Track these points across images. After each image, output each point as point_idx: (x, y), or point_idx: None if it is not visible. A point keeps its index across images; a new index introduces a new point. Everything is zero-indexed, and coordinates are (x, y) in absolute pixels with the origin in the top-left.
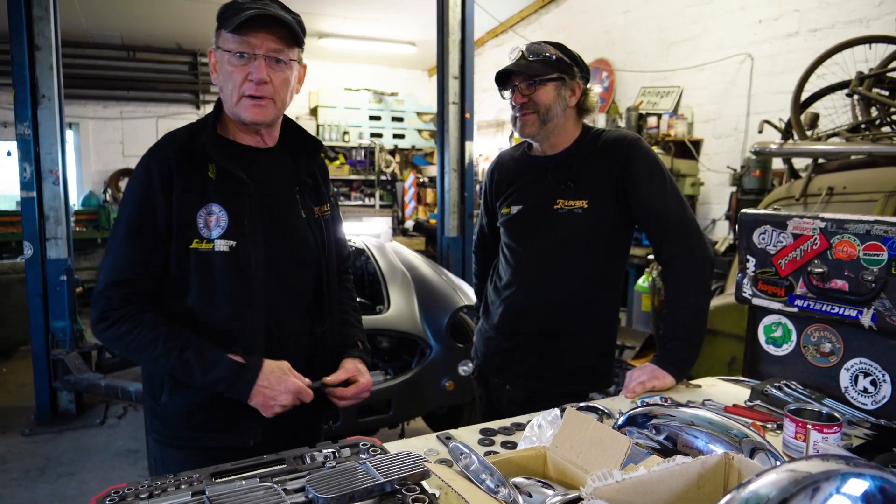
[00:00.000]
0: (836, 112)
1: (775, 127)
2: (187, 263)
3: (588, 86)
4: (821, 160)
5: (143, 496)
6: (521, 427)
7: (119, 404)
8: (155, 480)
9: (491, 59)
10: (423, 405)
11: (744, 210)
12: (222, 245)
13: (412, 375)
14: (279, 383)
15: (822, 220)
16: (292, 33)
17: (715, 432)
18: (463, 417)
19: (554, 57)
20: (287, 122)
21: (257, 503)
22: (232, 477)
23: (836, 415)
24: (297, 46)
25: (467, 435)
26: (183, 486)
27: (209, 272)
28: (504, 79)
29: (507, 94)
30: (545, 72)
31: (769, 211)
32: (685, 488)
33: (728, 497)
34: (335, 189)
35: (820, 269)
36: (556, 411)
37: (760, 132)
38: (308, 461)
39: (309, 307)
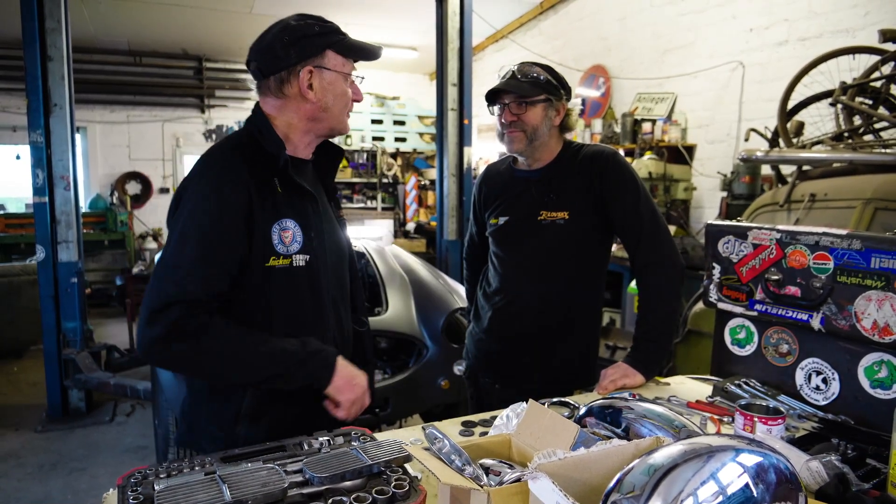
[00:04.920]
0: (821, 120)
1: (761, 135)
2: (266, 282)
3: (569, 105)
4: (805, 167)
5: (162, 475)
6: None
7: (127, 402)
8: (172, 463)
9: (491, 65)
10: (420, 403)
11: (709, 221)
12: (300, 260)
13: (409, 374)
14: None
15: (778, 231)
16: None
17: (660, 423)
18: (458, 415)
19: (542, 78)
20: None
21: (261, 480)
22: (239, 460)
23: (782, 409)
24: None
25: (451, 427)
26: (197, 468)
27: (289, 288)
28: (494, 94)
29: (496, 109)
30: (534, 93)
31: (732, 222)
32: (620, 465)
33: (637, 461)
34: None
35: (776, 277)
36: (524, 404)
37: (747, 140)
38: (306, 447)
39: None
